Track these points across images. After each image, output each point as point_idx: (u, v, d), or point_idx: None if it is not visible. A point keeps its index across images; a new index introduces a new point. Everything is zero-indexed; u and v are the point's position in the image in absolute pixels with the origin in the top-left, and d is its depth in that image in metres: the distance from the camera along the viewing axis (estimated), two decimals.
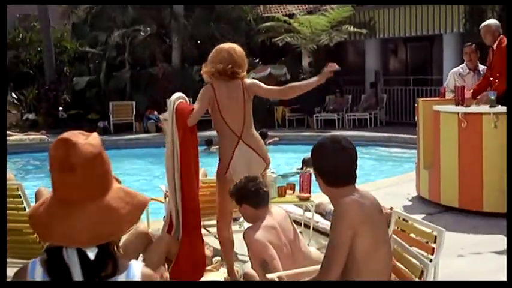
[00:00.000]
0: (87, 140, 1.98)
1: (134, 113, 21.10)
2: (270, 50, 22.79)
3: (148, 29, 22.04)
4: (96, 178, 1.96)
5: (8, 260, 4.35)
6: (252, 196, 4.67)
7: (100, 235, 1.90)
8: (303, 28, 21.03)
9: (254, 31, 22.78)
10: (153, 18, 22.25)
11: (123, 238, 4.78)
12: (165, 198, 7.01)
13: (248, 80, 5.41)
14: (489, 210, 7.83)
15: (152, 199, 7.53)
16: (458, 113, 7.99)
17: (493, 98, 7.82)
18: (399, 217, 4.13)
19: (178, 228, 5.28)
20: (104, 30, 22.73)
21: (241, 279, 5.09)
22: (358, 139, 18.25)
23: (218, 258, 6.02)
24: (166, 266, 5.29)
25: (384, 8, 20.89)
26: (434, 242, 3.63)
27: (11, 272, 2.36)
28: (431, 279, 3.54)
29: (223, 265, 5.86)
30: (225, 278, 5.58)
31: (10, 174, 6.69)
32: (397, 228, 4.10)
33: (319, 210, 7.86)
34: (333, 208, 3.40)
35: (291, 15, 21.80)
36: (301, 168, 13.76)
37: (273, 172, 7.14)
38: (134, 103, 21.25)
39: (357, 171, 3.33)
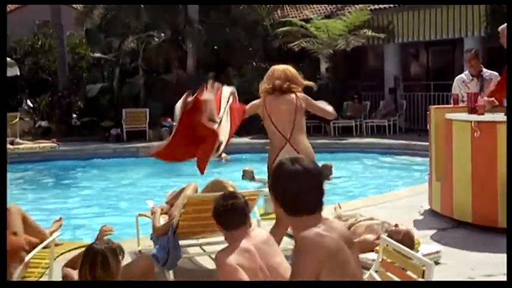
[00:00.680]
0: None
1: (148, 120, 20.71)
2: (287, 56, 22.28)
3: (162, 34, 21.69)
4: None
5: None
6: (218, 217, 4.24)
7: None
8: (319, 33, 20.52)
9: (271, 36, 22.31)
10: (167, 24, 21.87)
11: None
12: (152, 214, 6.58)
13: (301, 95, 6.20)
14: (504, 226, 7.25)
15: (140, 215, 7.13)
16: (471, 122, 7.45)
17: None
18: (387, 245, 3.63)
19: None
20: (117, 36, 22.42)
21: None
22: (375, 146, 17.81)
23: None
24: None
25: (403, 11, 20.36)
26: (423, 277, 3.13)
27: None
28: None
29: None
30: None
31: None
32: (386, 258, 3.61)
33: None
34: None
35: (308, 20, 21.29)
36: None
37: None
38: (148, 110, 20.88)
39: (324, 198, 2.83)
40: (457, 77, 9.20)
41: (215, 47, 22.66)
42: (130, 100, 21.68)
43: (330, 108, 6.37)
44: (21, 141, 18.63)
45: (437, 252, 6.38)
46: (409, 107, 21.17)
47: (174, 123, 6.36)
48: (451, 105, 8.78)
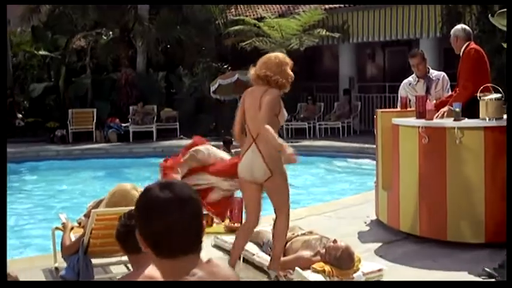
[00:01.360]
0: None
1: (95, 121, 19.92)
2: (241, 55, 21.66)
3: (111, 32, 20.87)
4: None
5: None
6: (123, 242, 3.61)
7: None
8: (273, 32, 19.94)
9: (223, 35, 21.66)
10: (116, 21, 21.05)
11: None
12: (63, 227, 5.92)
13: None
14: (453, 240, 6.75)
15: (57, 228, 6.45)
16: (418, 127, 6.92)
17: (457, 110, 6.74)
18: None
19: None
20: (65, 33, 21.55)
21: None
22: (328, 149, 17.27)
23: None
24: None
25: (358, 11, 19.90)
26: None
27: None
28: None
29: None
30: None
31: None
32: None
33: (257, 240, 6.72)
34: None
35: (261, 19, 20.67)
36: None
37: None
38: (95, 110, 20.10)
39: (202, 234, 2.18)
40: (403, 81, 8.65)
41: (166, 46, 21.91)
42: (77, 100, 20.84)
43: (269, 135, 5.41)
44: None
45: (379, 270, 5.81)
46: (364, 108, 20.68)
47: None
48: (399, 109, 8.23)
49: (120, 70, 20.96)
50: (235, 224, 5.97)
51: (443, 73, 8.36)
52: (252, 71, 5.69)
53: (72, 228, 5.83)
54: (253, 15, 22.10)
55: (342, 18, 20.43)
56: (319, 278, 5.43)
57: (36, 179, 15.17)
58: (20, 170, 16.00)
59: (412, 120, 7.14)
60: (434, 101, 7.45)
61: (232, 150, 17.11)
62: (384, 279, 5.76)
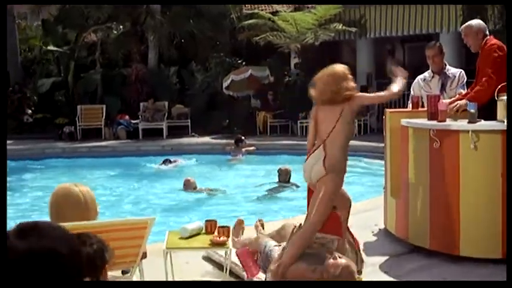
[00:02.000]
0: None
1: (104, 117, 19.43)
2: (256, 50, 21.04)
3: (121, 26, 20.35)
4: None
5: None
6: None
7: None
8: (287, 26, 19.30)
9: (237, 29, 21.06)
10: (128, 15, 20.53)
11: None
12: None
13: None
14: (466, 255, 6.09)
15: None
16: (429, 130, 6.26)
17: (472, 111, 6.08)
18: None
19: None
20: (74, 28, 21.08)
21: None
22: None
23: None
24: None
25: (376, 5, 19.18)
26: None
27: None
28: None
29: None
30: None
31: None
32: None
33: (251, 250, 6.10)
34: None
35: (276, 13, 20.03)
36: (278, 181, 12.25)
37: None
38: (105, 107, 19.61)
39: None
40: (418, 76, 8.03)
41: (179, 40, 21.36)
42: (86, 96, 20.38)
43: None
44: None
45: None
46: (382, 106, 19.94)
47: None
48: (409, 109, 7.56)
49: (131, 65, 20.46)
50: (221, 238, 5.36)
51: (460, 70, 7.73)
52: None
53: None
54: (268, 9, 21.47)
55: (360, 12, 19.74)
56: None
57: (39, 176, 14.72)
58: (25, 168, 15.58)
59: (423, 122, 6.48)
60: (449, 100, 6.79)
61: (243, 149, 16.66)
62: None
